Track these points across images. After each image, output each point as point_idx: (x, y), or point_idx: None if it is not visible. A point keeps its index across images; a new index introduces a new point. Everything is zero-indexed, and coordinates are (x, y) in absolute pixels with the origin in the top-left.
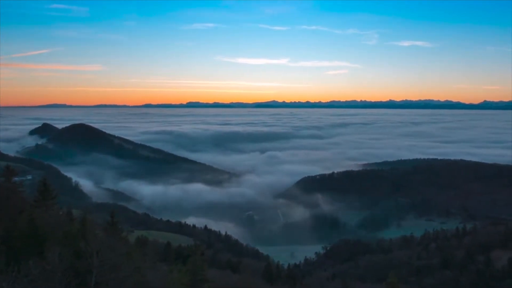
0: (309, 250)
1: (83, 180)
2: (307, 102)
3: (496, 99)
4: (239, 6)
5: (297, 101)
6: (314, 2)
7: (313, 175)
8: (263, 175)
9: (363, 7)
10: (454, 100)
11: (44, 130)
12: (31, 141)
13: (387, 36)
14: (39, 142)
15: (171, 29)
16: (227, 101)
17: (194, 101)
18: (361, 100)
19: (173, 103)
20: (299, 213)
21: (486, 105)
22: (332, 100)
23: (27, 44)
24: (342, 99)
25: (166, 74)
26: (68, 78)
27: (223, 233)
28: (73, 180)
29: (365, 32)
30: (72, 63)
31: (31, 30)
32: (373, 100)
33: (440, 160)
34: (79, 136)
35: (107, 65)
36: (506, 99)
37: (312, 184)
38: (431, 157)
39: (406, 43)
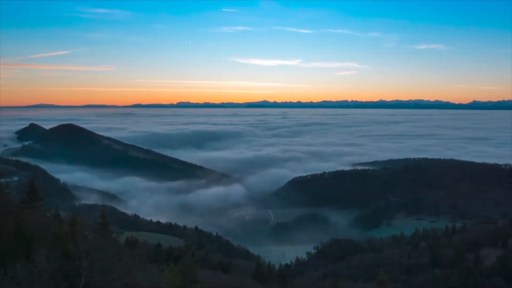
0: (300, 250)
1: (71, 181)
2: (298, 102)
3: (485, 99)
4: (272, 10)
5: (288, 101)
6: (344, 7)
7: (304, 175)
8: (255, 175)
9: (389, 12)
10: (444, 100)
11: (31, 130)
12: (18, 142)
13: (406, 39)
14: (26, 143)
15: (198, 32)
16: (218, 101)
17: (184, 101)
18: (352, 100)
19: (163, 103)
20: (290, 213)
21: (475, 105)
22: (323, 100)
23: (47, 46)
24: (334, 99)
25: (172, 75)
26: (69, 78)
27: (214, 233)
28: (61, 181)
29: (387, 35)
30: (87, 64)
31: (55, 32)
32: (364, 100)
33: (430, 159)
34: (67, 137)
35: (120, 66)
36: (494, 99)
37: (303, 184)
38: (420, 156)
39: (422, 46)
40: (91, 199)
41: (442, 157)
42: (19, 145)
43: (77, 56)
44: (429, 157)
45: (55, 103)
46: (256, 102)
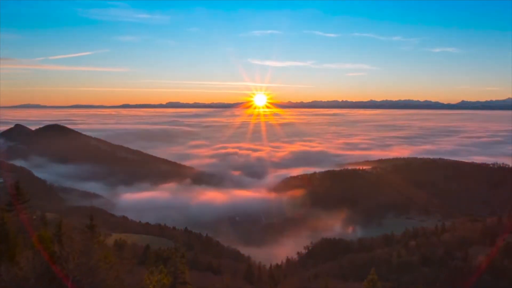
0: (291, 250)
1: (57, 182)
2: (289, 102)
3: (473, 99)
4: (310, 16)
5: (278, 101)
6: (373, 13)
7: (295, 175)
8: (245, 175)
9: (411, 17)
10: (433, 100)
11: (16, 131)
12: (2, 143)
13: (426, 43)
14: (11, 144)
15: (228, 36)
16: (208, 101)
17: (174, 101)
18: (342, 100)
19: (152, 103)
20: (281, 213)
21: (463, 105)
22: (313, 100)
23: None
24: (324, 99)
25: (178, 77)
26: (73, 78)
27: (203, 234)
28: (47, 182)
29: (408, 39)
30: (104, 66)
31: (88, 33)
32: (354, 100)
33: (419, 159)
34: (53, 137)
35: (134, 68)
36: (482, 99)
37: (293, 184)
38: (410, 156)
39: (437, 49)
40: (78, 201)
41: (431, 157)
42: (4, 146)
43: (98, 58)
44: (418, 156)
45: (41, 103)
46: (243, 102)
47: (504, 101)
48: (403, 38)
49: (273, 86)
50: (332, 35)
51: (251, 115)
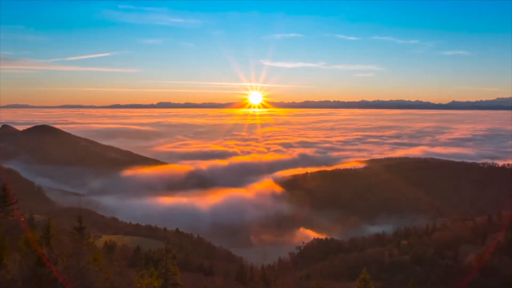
0: (283, 251)
1: (46, 184)
2: (281, 102)
3: (464, 99)
4: (330, 19)
5: (271, 101)
6: (393, 19)
7: (286, 175)
8: (235, 175)
9: (427, 21)
10: (424, 100)
11: (4, 131)
12: None
13: (439, 46)
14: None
15: (247, 38)
16: (200, 101)
17: (165, 101)
18: (334, 101)
19: (143, 103)
20: (273, 213)
21: (454, 105)
22: (305, 100)
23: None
24: (316, 100)
25: (184, 77)
26: (78, 78)
27: (195, 235)
28: (35, 184)
29: (424, 42)
30: (118, 67)
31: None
32: (346, 100)
33: (411, 158)
34: (41, 138)
35: (146, 69)
36: (473, 99)
37: (285, 184)
38: (401, 156)
39: (449, 52)
40: (67, 202)
41: (422, 156)
42: None
43: (114, 59)
44: (409, 156)
45: (30, 103)
46: (235, 102)
47: (493, 101)
48: (420, 42)
49: (273, 87)
50: (352, 38)
51: (244, 115)
